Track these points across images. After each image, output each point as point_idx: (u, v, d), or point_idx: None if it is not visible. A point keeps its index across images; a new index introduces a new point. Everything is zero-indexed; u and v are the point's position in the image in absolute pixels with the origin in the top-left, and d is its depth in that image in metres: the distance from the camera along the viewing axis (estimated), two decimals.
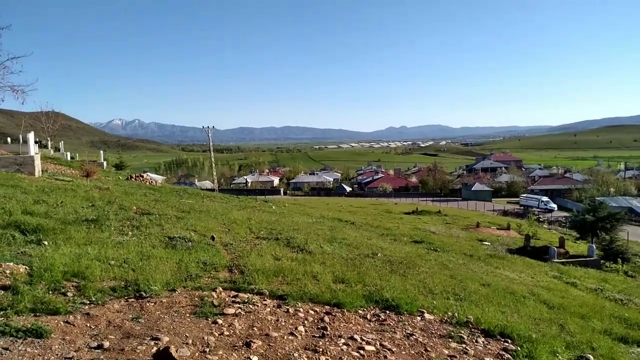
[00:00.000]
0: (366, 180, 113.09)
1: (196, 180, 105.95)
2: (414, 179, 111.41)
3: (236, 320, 5.66)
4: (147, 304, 5.94)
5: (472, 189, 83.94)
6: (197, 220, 13.38)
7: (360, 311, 6.78)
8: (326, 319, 6.18)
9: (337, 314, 6.47)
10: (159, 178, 59.56)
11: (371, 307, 7.07)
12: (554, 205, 65.92)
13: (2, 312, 5.11)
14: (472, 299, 8.73)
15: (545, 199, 67.22)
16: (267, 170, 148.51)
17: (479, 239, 26.45)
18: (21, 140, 37.95)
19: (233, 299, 6.53)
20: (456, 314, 7.10)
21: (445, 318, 6.96)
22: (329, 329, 5.81)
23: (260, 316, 5.94)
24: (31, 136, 24.04)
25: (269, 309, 6.27)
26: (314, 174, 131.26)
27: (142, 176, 32.48)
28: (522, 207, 65.61)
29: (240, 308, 6.12)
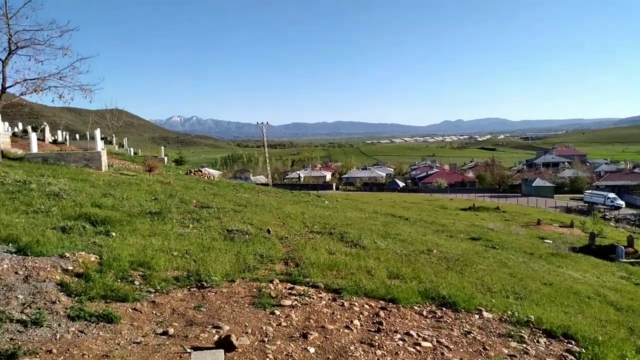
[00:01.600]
0: (420, 176, 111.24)
1: (251, 175, 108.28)
2: (470, 174, 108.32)
3: (293, 312, 5.78)
4: (208, 294, 6.18)
5: (533, 184, 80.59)
6: (253, 213, 13.72)
7: (416, 307, 6.72)
8: (381, 313, 6.19)
9: (392, 309, 6.45)
10: (215, 173, 61.39)
11: (427, 303, 6.99)
12: (622, 202, 62.16)
13: (76, 297, 5.49)
14: (533, 298, 8.44)
15: (611, 195, 63.52)
16: (320, 166, 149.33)
17: (540, 237, 25.42)
18: (88, 137, 40.35)
19: (289, 291, 6.66)
20: (516, 313, 6.89)
21: (505, 317, 6.77)
22: (384, 323, 5.81)
23: (316, 309, 6.03)
24: (98, 133, 25.48)
25: (324, 302, 6.35)
26: (366, 169, 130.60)
27: (201, 171, 33.63)
28: (586, 204, 62.33)
29: (296, 300, 6.24)
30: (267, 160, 74.53)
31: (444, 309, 6.81)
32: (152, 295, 5.93)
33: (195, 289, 6.36)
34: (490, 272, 10.31)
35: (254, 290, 6.53)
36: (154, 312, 5.44)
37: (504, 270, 11.26)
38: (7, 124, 32.33)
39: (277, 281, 7.03)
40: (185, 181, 22.64)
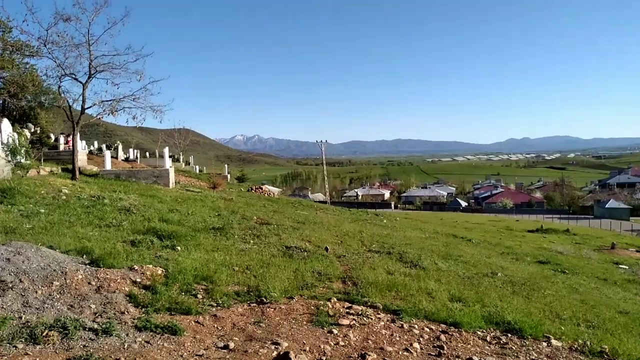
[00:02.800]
0: (484, 195, 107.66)
1: (309, 192, 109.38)
2: (538, 195, 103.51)
3: (351, 332, 5.72)
4: (267, 310, 6.25)
5: (606, 206, 75.58)
6: (312, 231, 13.81)
7: (479, 332, 6.45)
8: (442, 337, 5.98)
9: (453, 333, 6.23)
10: (275, 190, 62.60)
11: (491, 328, 6.68)
12: None
13: (144, 309, 5.74)
14: (607, 327, 7.84)
15: None
16: (378, 184, 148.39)
17: (614, 262, 23.66)
18: (157, 155, 42.52)
19: (347, 310, 6.60)
20: (588, 343, 6.42)
21: (575, 346, 6.33)
22: (445, 348, 5.61)
23: (375, 329, 5.93)
24: (166, 151, 26.80)
25: (382, 323, 6.24)
26: (426, 187, 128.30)
27: (261, 188, 34.41)
28: None
29: (354, 320, 6.17)
30: (326, 178, 75.07)
31: (509, 335, 6.48)
32: (214, 309, 6.09)
33: (254, 305, 6.47)
34: (560, 298, 9.71)
35: (312, 307, 6.54)
36: (216, 325, 5.58)
37: (575, 296, 10.58)
38: (84, 142, 34.79)
39: (335, 300, 7.00)
40: (247, 198, 23.24)
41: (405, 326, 6.22)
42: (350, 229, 16.28)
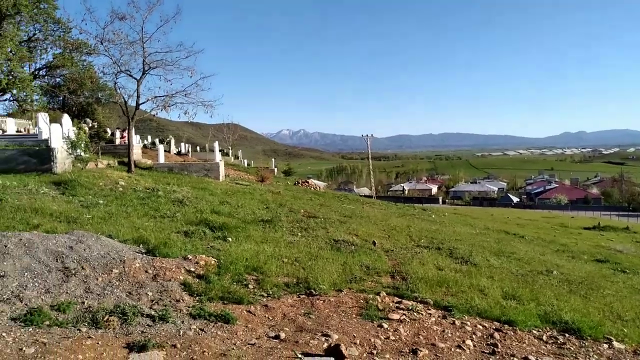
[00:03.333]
0: (537, 191, 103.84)
1: (354, 186, 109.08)
2: (594, 190, 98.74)
3: (401, 327, 5.65)
4: (317, 302, 6.28)
5: None
6: (359, 225, 13.75)
7: (534, 331, 6.22)
8: (496, 335, 5.81)
9: (508, 331, 6.04)
10: (321, 184, 62.86)
11: (547, 328, 6.44)
12: None
13: (197, 297, 5.90)
14: None
15: None
16: (425, 178, 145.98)
17: None
18: (207, 149, 43.62)
19: (397, 305, 6.53)
20: None
21: None
22: (499, 346, 5.45)
23: (426, 325, 5.84)
24: (216, 145, 27.46)
25: (433, 319, 6.13)
26: (475, 182, 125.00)
27: (307, 182, 34.62)
28: None
29: (404, 314, 6.10)
30: (371, 172, 74.51)
31: (567, 335, 6.21)
32: (265, 300, 6.18)
33: (304, 296, 6.51)
34: (621, 299, 9.21)
35: (361, 301, 6.51)
36: (266, 315, 5.66)
37: (637, 297, 10.00)
38: (138, 136, 36.13)
39: (384, 294, 6.94)
40: (294, 191, 23.45)
41: (457, 323, 6.09)
42: (397, 223, 16.09)
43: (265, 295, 6.34)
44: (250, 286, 6.59)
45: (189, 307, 5.52)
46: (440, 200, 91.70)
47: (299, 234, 10.94)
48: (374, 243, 11.10)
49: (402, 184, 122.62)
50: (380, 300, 6.59)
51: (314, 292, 6.64)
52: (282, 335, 5.02)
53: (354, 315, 5.92)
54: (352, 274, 7.86)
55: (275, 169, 46.23)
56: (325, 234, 11.26)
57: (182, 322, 5.08)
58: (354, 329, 5.41)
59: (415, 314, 6.20)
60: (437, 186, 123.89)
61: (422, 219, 21.24)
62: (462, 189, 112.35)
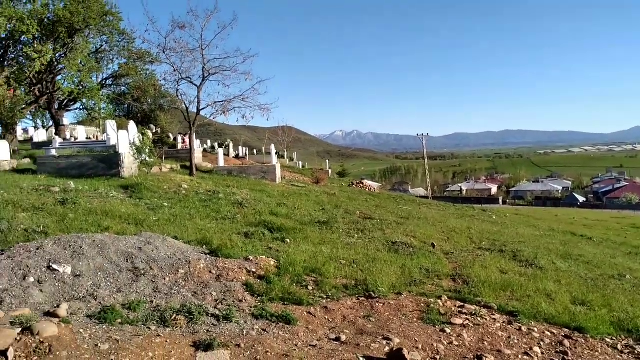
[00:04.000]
0: (604, 190, 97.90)
1: (409, 187, 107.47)
2: None
3: (464, 332, 5.50)
4: (376, 304, 6.24)
5: None
6: (416, 226, 13.53)
7: (607, 339, 5.87)
8: (566, 342, 5.53)
9: (578, 339, 5.73)
10: (375, 185, 62.40)
11: (622, 336, 6.05)
12: None
13: (259, 298, 6.03)
14: None
15: None
16: (484, 178, 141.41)
17: None
18: (264, 152, 44.51)
19: (459, 309, 6.36)
20: None
21: None
22: (569, 354, 5.19)
23: (490, 330, 5.65)
24: (273, 148, 27.94)
25: (498, 324, 5.92)
26: (538, 181, 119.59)
27: (362, 183, 34.50)
28: None
29: (467, 319, 5.93)
30: (427, 172, 73.11)
31: None
32: (324, 301, 6.21)
33: (363, 299, 6.49)
34: None
35: (422, 305, 6.40)
36: (326, 317, 5.68)
37: None
38: (198, 141, 37.42)
39: (446, 298, 6.78)
40: (349, 193, 23.45)
41: (524, 329, 5.85)
42: (456, 224, 15.69)
43: (325, 297, 6.37)
44: (310, 287, 6.65)
45: (251, 307, 5.64)
46: (501, 201, 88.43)
47: (356, 235, 10.92)
48: (433, 245, 10.88)
49: (459, 184, 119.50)
50: (441, 304, 6.44)
51: (373, 294, 6.59)
52: (343, 337, 5.02)
53: (415, 319, 5.83)
54: (411, 277, 7.75)
55: (330, 171, 46.41)
56: (382, 236, 11.16)
57: (245, 322, 5.20)
58: (416, 333, 5.32)
59: (478, 318, 6.01)
60: (496, 186, 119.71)
61: (482, 220, 20.60)
62: (523, 188, 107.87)
